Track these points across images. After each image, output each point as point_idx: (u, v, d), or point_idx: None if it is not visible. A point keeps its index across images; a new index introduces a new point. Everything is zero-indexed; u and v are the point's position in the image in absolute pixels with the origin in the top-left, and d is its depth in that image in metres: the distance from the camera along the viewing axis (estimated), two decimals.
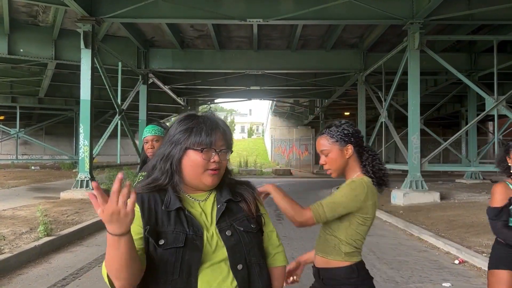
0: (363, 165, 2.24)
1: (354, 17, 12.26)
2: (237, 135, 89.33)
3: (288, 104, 34.12)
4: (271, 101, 34.92)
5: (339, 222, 2.13)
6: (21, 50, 15.29)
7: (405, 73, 12.60)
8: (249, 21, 12.13)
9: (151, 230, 1.39)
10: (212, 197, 1.53)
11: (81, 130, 12.12)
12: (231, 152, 1.56)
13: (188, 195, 1.51)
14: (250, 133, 77.35)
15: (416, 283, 5.15)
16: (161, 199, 1.46)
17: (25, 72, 20.38)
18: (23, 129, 24.96)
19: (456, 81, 18.75)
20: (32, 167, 27.85)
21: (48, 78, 19.52)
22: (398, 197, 11.68)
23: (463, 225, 8.32)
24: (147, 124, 4.44)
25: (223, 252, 1.42)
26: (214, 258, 1.41)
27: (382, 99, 15.39)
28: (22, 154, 30.44)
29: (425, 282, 5.20)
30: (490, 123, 30.23)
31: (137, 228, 1.40)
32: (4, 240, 6.15)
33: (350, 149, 2.20)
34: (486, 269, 5.63)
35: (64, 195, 11.64)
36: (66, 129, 32.54)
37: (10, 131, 24.07)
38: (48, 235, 6.62)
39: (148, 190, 1.48)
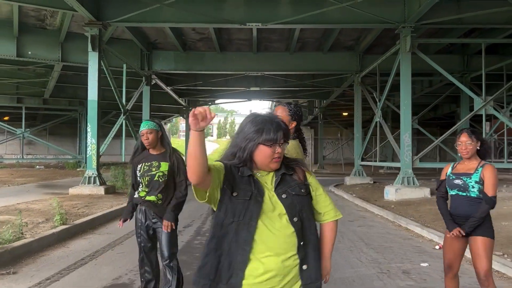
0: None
1: (349, 22, 12.85)
2: None
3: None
4: (271, 102, 35.47)
5: None
6: (29, 53, 15.89)
7: (398, 74, 13.15)
8: (249, 25, 12.72)
9: (229, 184, 1.97)
10: (272, 172, 2.08)
11: (88, 129, 12.71)
12: (288, 143, 2.09)
13: (256, 171, 2.06)
14: None
15: (397, 263, 5.73)
16: (238, 170, 2.03)
17: (31, 74, 20.97)
18: (28, 129, 25.57)
19: (450, 82, 19.28)
20: (37, 166, 28.47)
21: (54, 79, 20.13)
22: (391, 192, 12.27)
23: None
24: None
25: (281, 209, 1.97)
26: (275, 212, 1.96)
27: (377, 100, 15.96)
28: (27, 154, 31.01)
29: (405, 263, 5.79)
30: (487, 123, 30.84)
31: (218, 174, 1.96)
32: (27, 226, 6.74)
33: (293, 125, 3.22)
34: (466, 254, 6.27)
35: (72, 190, 12.23)
36: (69, 129, 33.16)
37: (16, 131, 24.70)
38: (64, 223, 7.22)
39: (231, 163, 2.04)
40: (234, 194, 1.96)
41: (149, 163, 3.94)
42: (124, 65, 15.67)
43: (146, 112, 18.52)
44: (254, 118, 2.10)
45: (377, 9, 12.34)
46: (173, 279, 3.87)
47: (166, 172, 3.90)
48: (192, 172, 1.83)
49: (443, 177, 3.83)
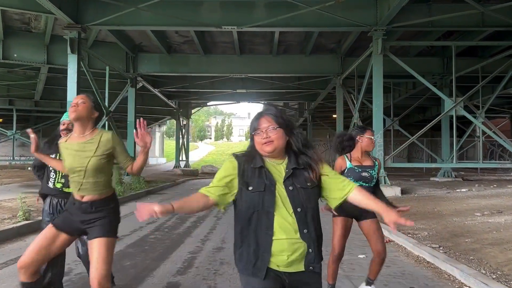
0: None
1: (322, 25, 13.13)
2: (235, 138, 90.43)
3: (279, 107, 34.92)
4: (263, 105, 35.73)
5: None
6: (15, 55, 16.20)
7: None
8: (224, 28, 13.01)
9: (243, 182, 2.25)
10: (285, 162, 2.31)
11: None
12: (280, 127, 2.28)
13: (269, 160, 2.30)
14: (248, 136, 78.20)
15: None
16: (252, 161, 2.29)
17: (21, 76, 21.28)
18: (19, 131, 25.85)
19: (433, 84, 19.61)
20: (29, 168, 28.72)
21: (42, 82, 20.43)
22: None
23: (407, 214, 9.14)
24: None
25: (288, 200, 2.21)
26: (285, 202, 2.21)
27: (355, 101, 16.23)
28: (20, 156, 31.26)
29: (345, 255, 6.04)
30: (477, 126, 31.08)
31: (228, 176, 2.30)
32: None
33: None
34: (404, 245, 6.52)
35: None
36: None
37: (6, 132, 25.00)
38: (26, 219, 7.48)
39: (245, 157, 2.32)
40: (250, 188, 2.23)
41: None
42: (107, 67, 15.97)
43: (131, 114, 18.78)
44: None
45: (350, 13, 12.61)
46: None
47: None
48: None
49: (340, 168, 4.13)
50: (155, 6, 12.42)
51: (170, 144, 61.94)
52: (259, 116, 2.35)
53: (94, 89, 14.71)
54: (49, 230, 3.15)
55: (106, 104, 15.80)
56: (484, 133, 16.45)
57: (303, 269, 2.22)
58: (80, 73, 13.25)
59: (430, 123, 14.12)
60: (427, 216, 8.72)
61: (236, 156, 2.36)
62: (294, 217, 2.19)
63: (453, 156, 14.03)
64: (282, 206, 2.21)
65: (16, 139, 25.90)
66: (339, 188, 2.35)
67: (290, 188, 2.24)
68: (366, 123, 19.07)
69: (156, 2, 12.10)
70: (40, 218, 7.92)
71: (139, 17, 12.89)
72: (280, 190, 2.23)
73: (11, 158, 27.07)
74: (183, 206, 2.20)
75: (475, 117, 14.80)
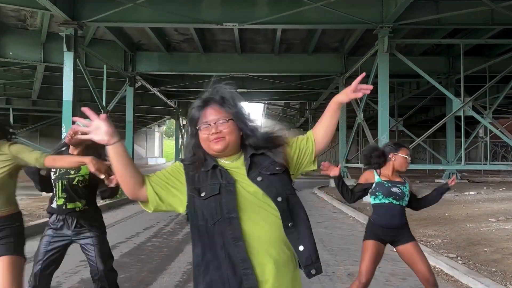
0: None
1: (326, 22, 12.73)
2: None
3: (280, 107, 34.61)
4: (263, 105, 35.41)
5: None
6: (10, 53, 15.79)
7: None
8: (225, 25, 12.61)
9: (192, 189, 1.79)
10: (242, 156, 1.87)
11: (63, 130, 12.63)
12: (232, 119, 1.83)
13: (222, 159, 1.86)
14: None
15: (346, 266, 5.60)
16: (202, 164, 1.84)
17: (18, 75, 20.87)
18: (16, 131, 25.37)
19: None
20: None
21: (39, 80, 20.00)
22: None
23: (417, 219, 8.74)
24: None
25: (261, 194, 1.77)
26: (256, 200, 1.77)
27: (359, 101, 15.84)
28: None
29: (355, 265, 5.62)
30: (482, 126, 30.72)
31: (175, 178, 1.85)
32: None
33: None
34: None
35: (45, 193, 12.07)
36: (60, 131, 32.98)
37: None
38: None
39: (191, 161, 1.86)
40: (202, 194, 1.77)
41: None
42: (105, 66, 15.57)
43: (130, 114, 18.40)
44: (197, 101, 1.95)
45: (355, 10, 12.21)
46: None
47: (87, 176, 3.39)
48: (123, 188, 1.81)
49: (368, 180, 3.73)
50: (154, 3, 12.04)
51: (169, 144, 61.54)
52: (204, 104, 1.85)
53: (91, 88, 14.34)
54: None
55: (104, 103, 15.38)
56: (490, 132, 16.18)
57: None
58: (76, 71, 12.88)
59: (438, 124, 13.72)
60: (439, 222, 8.33)
61: (183, 161, 1.91)
62: (279, 211, 1.76)
63: (461, 157, 13.58)
64: (259, 204, 1.77)
65: None
66: (304, 141, 2.00)
67: (259, 179, 1.79)
68: (369, 123, 18.67)
69: None
70: (30, 224, 7.57)
71: (138, 14, 12.48)
72: (244, 189, 1.78)
73: None
74: (124, 158, 1.75)
75: (482, 117, 14.38)
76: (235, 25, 12.64)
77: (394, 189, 3.60)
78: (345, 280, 4.98)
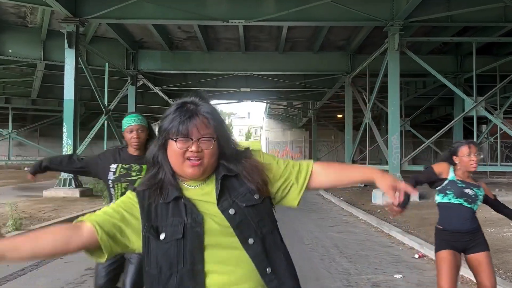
0: None
1: (335, 19, 12.41)
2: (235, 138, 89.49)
3: (282, 107, 34.26)
4: (266, 104, 35.07)
5: None
6: (10, 51, 15.46)
7: (387, 75, 12.69)
8: (232, 22, 12.27)
9: (149, 227, 1.41)
10: (213, 177, 1.49)
11: (64, 130, 12.28)
12: (215, 140, 1.47)
13: (185, 183, 1.49)
14: (248, 136, 77.61)
15: (369, 275, 5.26)
16: (161, 192, 1.45)
17: (17, 73, 20.52)
18: (15, 130, 25.07)
19: (444, 84, 18.87)
20: (25, 168, 27.95)
21: (39, 79, 19.66)
22: (378, 196, 11.80)
23: (433, 223, 8.28)
24: None
25: (231, 232, 1.40)
26: (225, 238, 1.41)
27: (367, 101, 15.51)
28: (16, 156, 30.50)
29: (377, 274, 5.31)
30: (484, 126, 30.42)
31: (127, 212, 1.46)
32: None
33: None
34: None
35: (46, 193, 11.75)
36: (59, 130, 32.30)
37: (2, 132, 24.21)
38: (17, 229, 6.74)
39: (149, 185, 1.48)
40: (162, 236, 1.40)
41: (127, 165, 3.05)
42: (106, 64, 15.22)
43: None
44: (172, 107, 1.53)
45: (364, 6, 11.89)
46: None
47: None
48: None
49: (439, 174, 3.31)
50: None
51: None
52: (190, 114, 1.46)
53: (93, 86, 14.00)
54: None
55: (106, 102, 15.03)
56: (501, 131, 15.82)
57: None
58: (78, 69, 12.50)
59: (449, 124, 13.37)
60: None
61: (135, 190, 1.50)
62: (250, 255, 1.40)
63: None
64: (229, 243, 1.41)
65: (12, 139, 25.07)
66: (295, 172, 1.58)
67: (231, 212, 1.42)
68: (375, 122, 18.25)
69: None
70: (32, 227, 7.21)
71: (141, 10, 12.14)
72: (216, 222, 1.41)
73: (7, 158, 26.22)
74: (19, 245, 1.33)
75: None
76: (242, 22, 12.31)
77: (467, 190, 3.23)
78: None
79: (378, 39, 15.78)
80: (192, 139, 1.43)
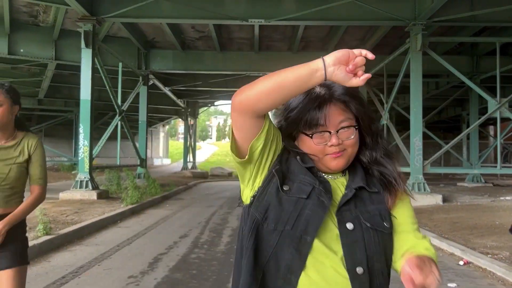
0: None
1: (356, 18, 12.23)
2: None
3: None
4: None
5: None
6: (21, 50, 15.25)
7: (407, 75, 12.54)
8: (251, 22, 12.07)
9: (279, 170, 1.25)
10: (344, 179, 1.32)
11: (81, 131, 12.05)
12: (358, 126, 1.30)
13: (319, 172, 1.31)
14: None
15: None
16: (297, 154, 1.30)
17: (25, 73, 20.32)
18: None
19: (457, 84, 18.72)
20: None
21: (48, 79, 19.45)
22: None
23: (466, 227, 8.24)
24: None
25: (338, 247, 1.20)
26: (329, 245, 1.20)
27: (384, 102, 15.33)
28: None
29: None
30: (491, 127, 30.24)
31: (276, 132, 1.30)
32: None
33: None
34: (492, 270, 5.57)
35: (63, 195, 11.53)
36: (65, 131, 32.48)
37: None
38: (47, 234, 6.52)
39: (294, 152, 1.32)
40: (285, 187, 1.23)
41: None
42: (120, 64, 15.04)
43: (143, 113, 17.90)
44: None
45: (387, 5, 11.70)
46: None
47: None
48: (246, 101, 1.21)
49: None
50: None
51: (172, 145, 61.04)
52: (325, 100, 1.28)
53: (107, 87, 13.81)
54: None
55: (119, 102, 14.83)
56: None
57: None
58: (94, 69, 12.31)
59: (472, 126, 13.20)
60: (493, 232, 7.78)
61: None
62: (349, 282, 1.17)
63: (498, 160, 13.00)
64: (329, 251, 1.19)
65: None
66: (409, 241, 1.27)
67: (349, 226, 1.21)
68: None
69: None
70: (61, 232, 7.00)
71: (159, 9, 11.94)
72: (330, 228, 1.22)
73: None
74: None
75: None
76: (261, 21, 12.11)
77: None
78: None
79: (393, 39, 15.62)
80: (330, 132, 1.27)
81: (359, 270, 1.18)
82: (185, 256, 6.23)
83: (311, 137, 1.27)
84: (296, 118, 1.29)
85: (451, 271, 5.68)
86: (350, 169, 1.33)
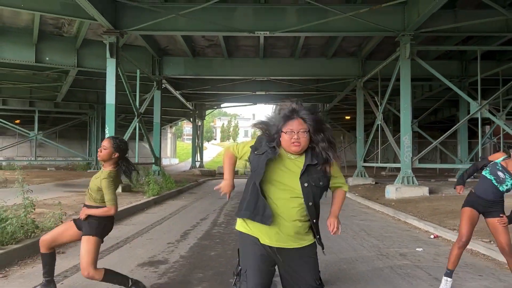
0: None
1: (351, 30, 13.57)
2: (240, 139, 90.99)
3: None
4: (274, 105, 36.16)
5: None
6: (47, 59, 16.72)
7: (399, 79, 13.87)
8: (257, 33, 13.47)
9: (254, 148, 2.72)
10: (302, 159, 2.65)
11: (106, 131, 13.48)
12: (308, 132, 2.64)
13: (289, 154, 2.68)
14: (255, 137, 78.65)
15: (395, 248, 6.47)
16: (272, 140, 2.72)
17: (45, 78, 21.79)
18: (41, 132, 26.40)
19: (449, 87, 20.05)
20: (48, 168, 29.29)
21: (68, 84, 20.93)
22: (391, 191, 12.99)
23: (444, 212, 9.62)
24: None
25: (300, 192, 2.60)
26: (293, 189, 2.61)
27: (378, 104, 16.69)
28: (37, 156, 31.84)
29: (402, 248, 6.52)
30: (487, 127, 31.58)
31: (243, 155, 2.93)
32: (65, 215, 7.48)
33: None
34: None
35: None
36: (77, 132, 34.09)
37: (29, 133, 25.52)
38: None
39: (261, 152, 2.68)
40: (255, 152, 2.67)
41: None
42: (138, 71, 16.48)
43: (157, 115, 19.29)
44: (280, 110, 2.83)
45: (378, 18, 13.05)
46: None
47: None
48: None
49: (493, 159, 4.44)
50: (192, 12, 12.90)
51: (178, 145, 62.48)
52: (291, 114, 2.69)
53: (127, 92, 15.20)
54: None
55: (138, 106, 16.27)
56: (503, 131, 17.02)
57: None
58: (118, 76, 13.73)
59: (456, 125, 14.57)
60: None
61: (255, 150, 2.76)
62: (306, 210, 2.66)
63: (472, 156, 14.39)
64: (292, 193, 2.63)
65: (37, 140, 26.41)
66: (341, 181, 2.90)
67: (305, 185, 2.60)
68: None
69: (194, 9, 12.63)
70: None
71: (175, 23, 13.36)
72: (290, 170, 2.66)
73: (33, 158, 27.57)
74: None
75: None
76: (266, 33, 13.51)
77: (500, 173, 4.25)
78: (399, 258, 5.83)
79: (387, 46, 16.97)
80: (294, 132, 2.64)
81: (310, 203, 2.63)
82: (208, 231, 7.70)
83: (286, 134, 2.66)
84: (281, 126, 2.73)
85: (422, 242, 7.09)
86: (306, 153, 2.74)
